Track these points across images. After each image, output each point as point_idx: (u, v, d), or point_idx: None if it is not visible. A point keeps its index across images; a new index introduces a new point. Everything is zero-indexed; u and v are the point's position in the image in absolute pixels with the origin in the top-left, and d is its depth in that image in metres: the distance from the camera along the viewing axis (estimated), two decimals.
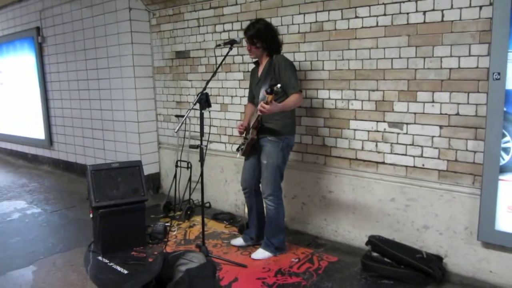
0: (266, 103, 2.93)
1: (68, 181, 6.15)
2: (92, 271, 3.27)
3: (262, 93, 3.19)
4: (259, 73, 3.37)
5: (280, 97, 3.14)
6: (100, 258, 3.46)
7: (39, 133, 7.00)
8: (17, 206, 5.00)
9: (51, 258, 3.51)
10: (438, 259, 3.03)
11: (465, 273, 2.99)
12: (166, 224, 4.08)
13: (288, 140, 3.31)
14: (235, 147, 3.53)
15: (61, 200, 5.21)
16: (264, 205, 3.45)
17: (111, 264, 3.35)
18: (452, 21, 2.86)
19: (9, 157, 8.09)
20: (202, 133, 3.22)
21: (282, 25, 3.78)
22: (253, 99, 3.53)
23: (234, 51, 4.13)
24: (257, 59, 3.41)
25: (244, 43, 3.39)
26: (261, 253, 3.39)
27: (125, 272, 3.21)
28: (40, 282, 3.10)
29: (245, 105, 3.83)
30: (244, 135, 3.44)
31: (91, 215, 3.63)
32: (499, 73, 2.62)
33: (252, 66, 3.55)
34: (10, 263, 3.41)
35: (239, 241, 3.65)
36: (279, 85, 2.91)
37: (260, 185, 3.43)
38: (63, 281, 3.11)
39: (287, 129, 3.28)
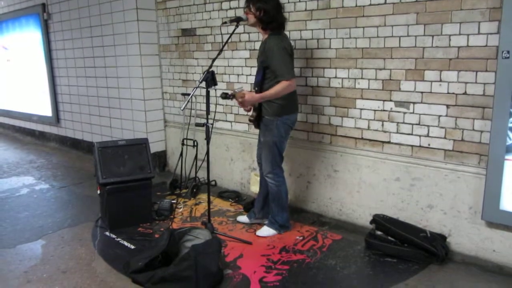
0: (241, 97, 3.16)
1: (75, 158, 6.21)
2: (99, 245, 3.33)
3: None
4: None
5: (270, 81, 3.14)
6: (107, 233, 3.52)
7: (46, 110, 7.04)
8: (26, 181, 5.07)
9: (60, 232, 3.58)
10: (441, 238, 3.05)
11: (468, 252, 3.01)
12: (172, 201, 4.12)
13: (285, 119, 3.24)
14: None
15: (69, 176, 5.27)
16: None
17: (118, 239, 3.41)
18: None
19: (17, 134, 8.17)
20: (208, 111, 3.23)
21: (289, 2, 3.73)
22: None
23: (240, 29, 4.08)
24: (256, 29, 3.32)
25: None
26: (266, 231, 3.43)
27: (132, 247, 3.27)
28: (48, 255, 3.17)
29: None
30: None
31: (98, 192, 3.67)
32: (508, 52, 2.58)
33: (259, 44, 3.51)
34: (19, 237, 3.48)
35: (244, 218, 3.70)
36: (237, 89, 3.18)
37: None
38: (71, 255, 3.17)
39: (283, 110, 3.21)
